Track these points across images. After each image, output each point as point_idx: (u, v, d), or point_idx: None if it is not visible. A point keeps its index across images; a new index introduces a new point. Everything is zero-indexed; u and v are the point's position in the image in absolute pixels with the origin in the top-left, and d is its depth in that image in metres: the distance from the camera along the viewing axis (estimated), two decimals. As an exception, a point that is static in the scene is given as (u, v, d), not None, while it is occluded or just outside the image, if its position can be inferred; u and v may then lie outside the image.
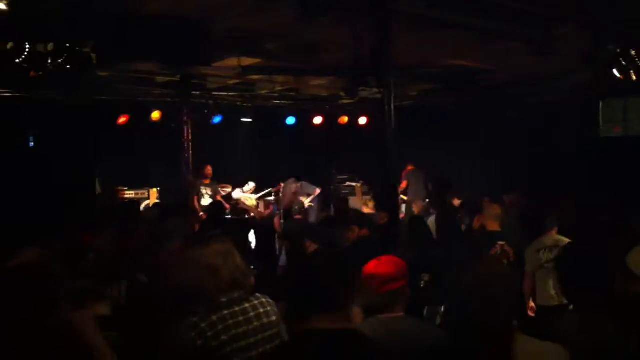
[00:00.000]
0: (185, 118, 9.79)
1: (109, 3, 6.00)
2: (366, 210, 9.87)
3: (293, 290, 2.37)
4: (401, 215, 8.51)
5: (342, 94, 10.64)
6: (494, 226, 5.63)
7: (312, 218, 9.46)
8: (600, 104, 10.69)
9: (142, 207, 10.20)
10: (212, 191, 10.74)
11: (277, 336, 2.86)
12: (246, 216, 10.27)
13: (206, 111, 11.27)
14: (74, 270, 3.50)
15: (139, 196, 10.76)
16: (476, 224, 6.11)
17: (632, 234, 4.87)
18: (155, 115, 10.62)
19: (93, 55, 6.48)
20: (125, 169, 11.08)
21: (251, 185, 11.52)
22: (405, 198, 11.05)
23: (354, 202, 11.63)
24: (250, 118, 12.12)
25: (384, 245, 5.48)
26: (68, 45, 6.23)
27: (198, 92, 10.49)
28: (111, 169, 10.75)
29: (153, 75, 9.60)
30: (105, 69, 8.21)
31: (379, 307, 2.75)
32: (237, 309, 2.78)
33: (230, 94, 11.43)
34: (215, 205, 8.91)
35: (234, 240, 3.10)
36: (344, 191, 12.76)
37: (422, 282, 5.15)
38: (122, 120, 10.48)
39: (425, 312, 5.17)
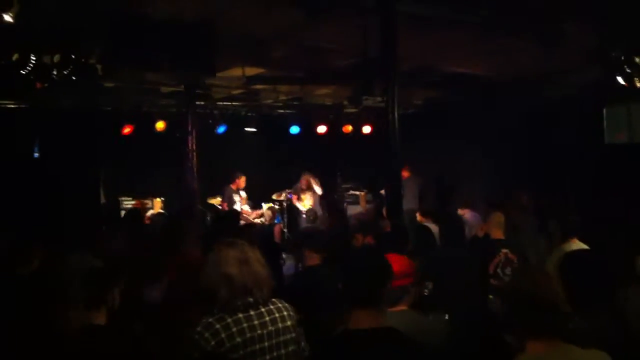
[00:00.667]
0: (189, 128, 9.84)
1: (114, 14, 6.06)
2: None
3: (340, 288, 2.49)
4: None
5: (346, 102, 10.67)
6: (497, 234, 5.61)
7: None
8: (604, 110, 10.65)
9: (148, 214, 10.25)
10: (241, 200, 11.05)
11: (292, 341, 2.86)
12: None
13: (210, 121, 11.32)
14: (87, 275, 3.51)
15: (146, 206, 10.79)
16: (480, 232, 6.08)
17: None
18: (160, 125, 10.68)
19: (98, 67, 6.54)
20: (130, 179, 11.11)
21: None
22: None
23: (358, 210, 11.62)
24: (255, 127, 12.17)
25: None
26: (74, 56, 6.28)
27: (202, 102, 10.55)
28: (116, 179, 10.78)
29: (158, 85, 9.66)
30: (111, 80, 8.26)
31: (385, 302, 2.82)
32: (252, 312, 2.78)
33: (234, 103, 11.49)
34: (234, 213, 8.98)
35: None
36: (347, 200, 12.77)
37: (426, 290, 5.13)
38: (126, 130, 10.55)
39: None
